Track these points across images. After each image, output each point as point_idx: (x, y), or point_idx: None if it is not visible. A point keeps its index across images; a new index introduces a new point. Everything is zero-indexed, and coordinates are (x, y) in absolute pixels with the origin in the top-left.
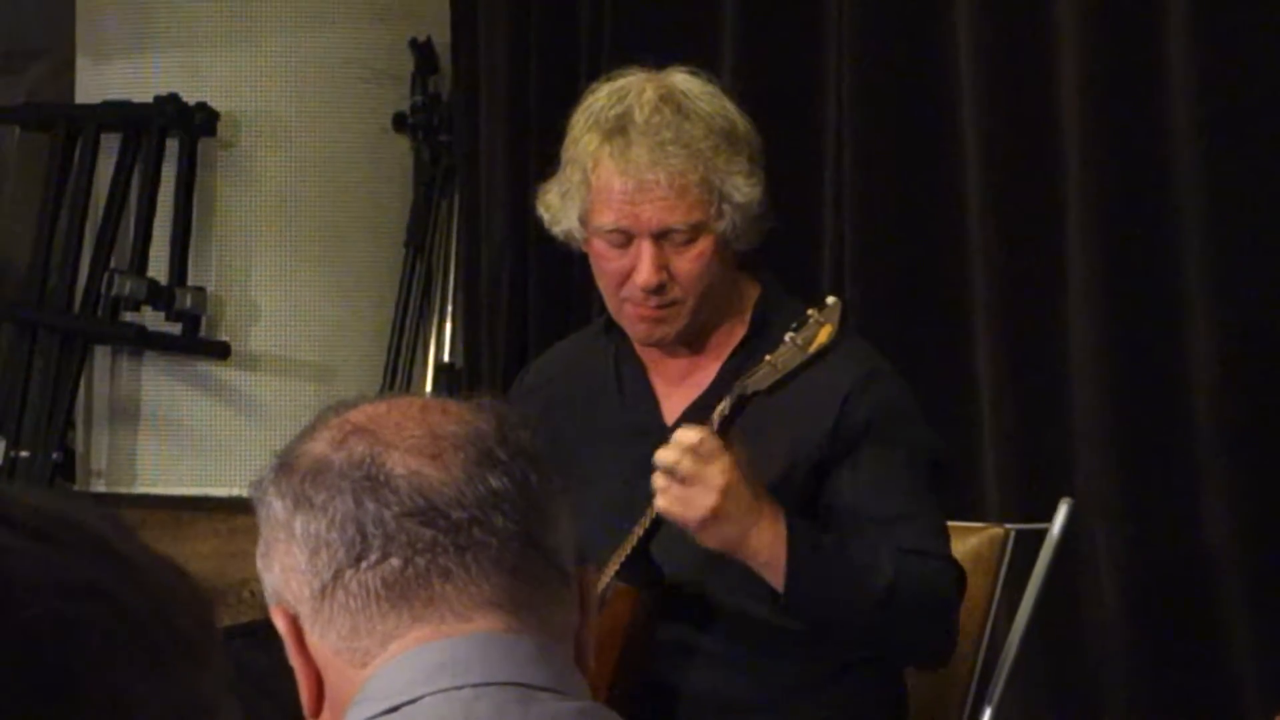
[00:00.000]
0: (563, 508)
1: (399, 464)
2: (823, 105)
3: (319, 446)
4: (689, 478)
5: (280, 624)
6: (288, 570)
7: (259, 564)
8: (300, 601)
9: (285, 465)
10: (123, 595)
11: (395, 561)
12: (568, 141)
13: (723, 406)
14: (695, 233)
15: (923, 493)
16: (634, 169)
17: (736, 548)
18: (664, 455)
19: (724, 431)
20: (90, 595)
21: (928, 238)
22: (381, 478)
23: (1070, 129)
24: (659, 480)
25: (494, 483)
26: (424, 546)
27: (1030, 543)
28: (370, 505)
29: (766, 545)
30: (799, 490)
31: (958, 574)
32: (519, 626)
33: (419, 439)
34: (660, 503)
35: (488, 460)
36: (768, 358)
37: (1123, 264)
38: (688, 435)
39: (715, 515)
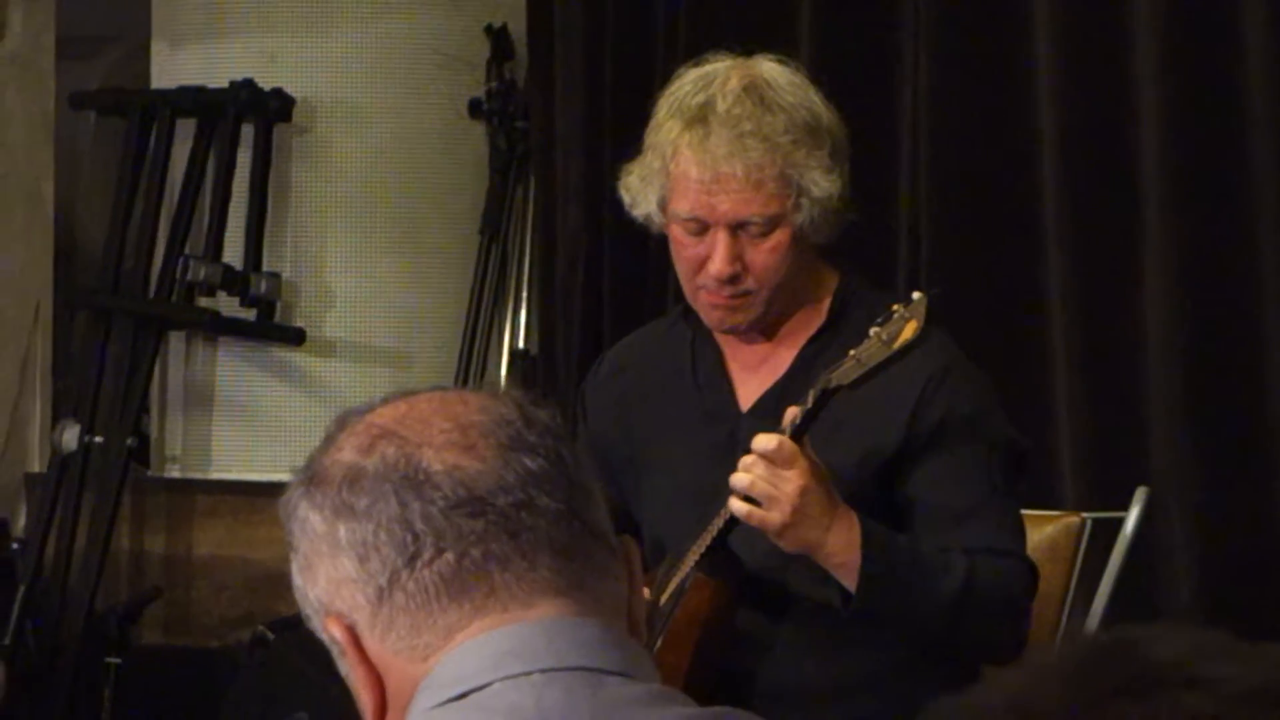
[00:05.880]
0: (595, 480)
1: (435, 460)
2: (899, 96)
3: (347, 455)
4: (764, 498)
5: (337, 634)
6: (336, 581)
7: (297, 580)
8: (356, 609)
9: (314, 478)
10: None
11: (450, 556)
12: (651, 125)
13: (805, 403)
14: (771, 225)
15: (999, 487)
16: (711, 160)
17: (813, 549)
18: (738, 480)
19: (802, 432)
20: None
21: (1003, 227)
22: (421, 476)
23: (1148, 119)
24: (736, 504)
25: (530, 464)
26: (476, 538)
27: (1106, 531)
28: (415, 504)
29: (842, 547)
30: (875, 483)
31: (1030, 572)
32: (580, 610)
33: (448, 432)
34: (739, 514)
35: (519, 443)
36: (852, 353)
37: (1199, 252)
38: (764, 442)
39: (793, 520)
